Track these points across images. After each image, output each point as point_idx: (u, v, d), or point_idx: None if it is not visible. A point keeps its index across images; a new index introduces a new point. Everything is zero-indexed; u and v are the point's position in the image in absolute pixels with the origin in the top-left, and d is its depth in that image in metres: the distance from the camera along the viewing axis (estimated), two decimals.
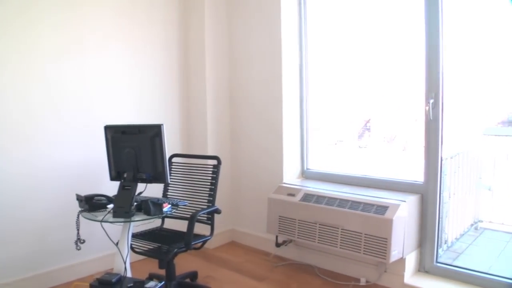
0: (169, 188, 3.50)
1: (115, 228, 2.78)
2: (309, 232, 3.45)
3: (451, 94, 3.24)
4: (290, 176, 4.05)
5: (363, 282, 3.40)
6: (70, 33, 3.45)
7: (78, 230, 2.79)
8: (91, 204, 2.79)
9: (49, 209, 3.38)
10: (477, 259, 3.83)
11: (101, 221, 2.61)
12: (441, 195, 3.26)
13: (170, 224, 3.45)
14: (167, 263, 3.05)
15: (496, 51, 3.58)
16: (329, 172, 3.96)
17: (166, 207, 2.77)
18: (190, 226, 2.90)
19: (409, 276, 3.25)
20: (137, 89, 3.93)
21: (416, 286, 3.16)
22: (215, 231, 3.26)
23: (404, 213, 3.09)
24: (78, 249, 2.78)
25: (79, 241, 2.79)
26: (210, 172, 3.31)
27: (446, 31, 3.09)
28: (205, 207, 3.23)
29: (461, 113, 3.81)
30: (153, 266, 3.32)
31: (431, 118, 3.16)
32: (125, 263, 2.74)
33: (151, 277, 3.34)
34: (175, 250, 2.92)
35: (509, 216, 4.32)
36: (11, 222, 3.20)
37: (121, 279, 2.69)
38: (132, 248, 3.01)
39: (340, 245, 3.27)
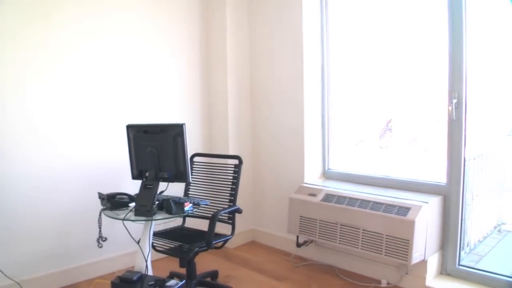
0: (191, 187, 3.52)
1: (137, 227, 2.82)
2: (330, 232, 3.44)
3: (474, 94, 3.18)
4: (311, 176, 4.03)
5: (384, 283, 3.37)
6: (96, 34, 3.50)
7: (100, 228, 2.82)
8: (113, 202, 2.82)
9: (72, 208, 3.43)
10: (500, 262, 3.75)
11: (123, 219, 2.64)
12: (464, 196, 3.21)
13: (191, 223, 3.47)
14: (188, 262, 3.08)
15: None
16: (350, 172, 3.94)
17: (188, 206, 2.78)
18: (211, 226, 2.91)
19: (430, 278, 3.21)
20: (159, 88, 3.96)
21: None
22: (236, 231, 3.27)
23: (426, 215, 3.05)
24: (100, 247, 2.82)
25: (101, 239, 2.83)
26: (231, 171, 3.32)
27: (470, 30, 3.05)
28: (226, 206, 3.24)
29: (485, 114, 3.73)
30: (174, 264, 3.34)
31: (454, 118, 3.12)
32: (146, 261, 2.77)
33: (172, 276, 3.37)
34: (196, 249, 2.93)
35: None
36: (35, 220, 3.26)
37: (142, 277, 2.72)
38: (153, 247, 3.03)
39: (361, 246, 3.24)
